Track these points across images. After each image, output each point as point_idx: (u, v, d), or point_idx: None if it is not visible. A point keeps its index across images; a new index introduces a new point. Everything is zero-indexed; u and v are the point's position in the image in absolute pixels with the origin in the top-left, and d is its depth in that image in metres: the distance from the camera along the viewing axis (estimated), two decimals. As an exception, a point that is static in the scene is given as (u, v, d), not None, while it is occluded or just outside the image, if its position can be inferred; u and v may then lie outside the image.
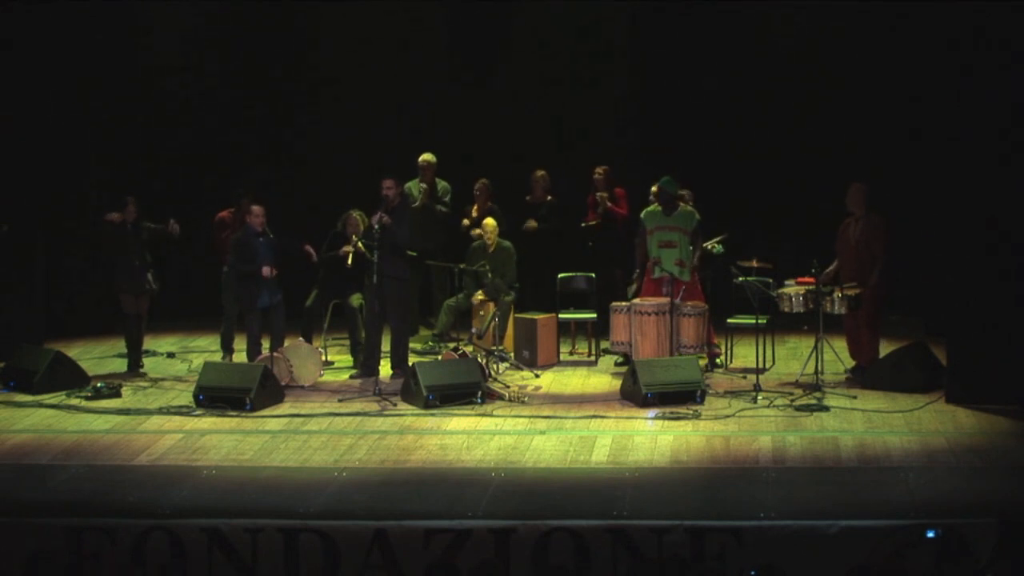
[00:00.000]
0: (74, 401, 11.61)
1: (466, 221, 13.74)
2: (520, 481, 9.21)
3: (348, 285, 12.72)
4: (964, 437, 10.17)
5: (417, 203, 13.44)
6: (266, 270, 12.12)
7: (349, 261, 12.47)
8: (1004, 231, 10.72)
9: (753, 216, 13.15)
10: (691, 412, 10.86)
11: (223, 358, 12.88)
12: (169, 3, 15.03)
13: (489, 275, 12.73)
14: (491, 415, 10.95)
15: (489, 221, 13.08)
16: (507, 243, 13.06)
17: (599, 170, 13.65)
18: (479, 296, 12.86)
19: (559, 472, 9.48)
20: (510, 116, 14.71)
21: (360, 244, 12.42)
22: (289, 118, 15.15)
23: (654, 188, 12.50)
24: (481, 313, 12.78)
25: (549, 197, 13.80)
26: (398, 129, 14.71)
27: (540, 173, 13.80)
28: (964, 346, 10.99)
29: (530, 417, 10.91)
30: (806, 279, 11.76)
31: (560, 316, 13.16)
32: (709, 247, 12.33)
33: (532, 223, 13.71)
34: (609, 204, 13.54)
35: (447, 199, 13.92)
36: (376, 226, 11.83)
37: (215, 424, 10.88)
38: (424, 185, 13.68)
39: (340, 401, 11.45)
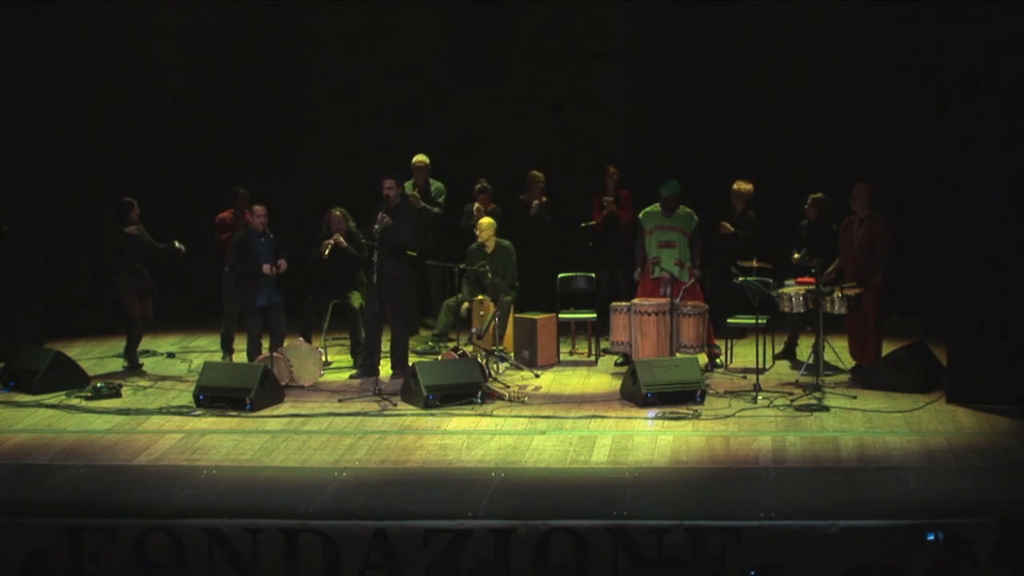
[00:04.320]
0: (74, 401, 11.61)
1: (477, 207, 13.68)
2: (520, 481, 9.21)
3: (342, 283, 12.70)
4: (964, 437, 10.17)
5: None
6: (267, 267, 12.13)
7: (325, 253, 12.49)
8: (1004, 231, 10.72)
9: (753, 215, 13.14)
10: (691, 412, 10.86)
11: (223, 358, 12.89)
12: (170, 3, 15.04)
13: (489, 275, 12.73)
14: (491, 415, 10.95)
15: (485, 219, 13.07)
16: (507, 243, 13.06)
17: (612, 170, 13.65)
18: (479, 296, 12.85)
19: (559, 472, 9.48)
20: (510, 116, 14.71)
21: (341, 239, 12.45)
22: (289, 118, 15.17)
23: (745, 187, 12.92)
24: (481, 313, 12.78)
25: (544, 198, 13.81)
26: (398, 129, 14.71)
27: (535, 173, 13.82)
28: (964, 346, 10.99)
29: (530, 417, 10.91)
30: (806, 279, 11.77)
31: (560, 316, 13.16)
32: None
33: (535, 201, 13.68)
34: (615, 208, 13.55)
35: (441, 200, 13.93)
36: (377, 226, 11.84)
37: (215, 424, 10.88)
38: (415, 192, 13.65)
39: (340, 401, 11.45)
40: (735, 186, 13.01)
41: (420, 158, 13.92)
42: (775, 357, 12.63)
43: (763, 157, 14.07)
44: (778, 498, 8.67)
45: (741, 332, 13.04)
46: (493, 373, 12.16)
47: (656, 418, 10.80)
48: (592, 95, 14.80)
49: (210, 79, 15.21)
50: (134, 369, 12.78)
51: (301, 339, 12.52)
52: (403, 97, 14.86)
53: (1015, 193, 10.67)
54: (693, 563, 8.16)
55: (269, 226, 12.36)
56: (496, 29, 14.90)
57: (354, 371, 12.57)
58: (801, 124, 14.18)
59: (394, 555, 8.35)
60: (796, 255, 12.38)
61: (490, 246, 12.94)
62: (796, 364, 12.51)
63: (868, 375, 11.80)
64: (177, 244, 12.75)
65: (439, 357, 12.45)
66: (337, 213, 12.73)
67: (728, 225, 12.87)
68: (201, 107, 15.25)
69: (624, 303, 12.34)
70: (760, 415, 10.82)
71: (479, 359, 12.04)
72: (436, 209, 13.84)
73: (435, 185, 13.99)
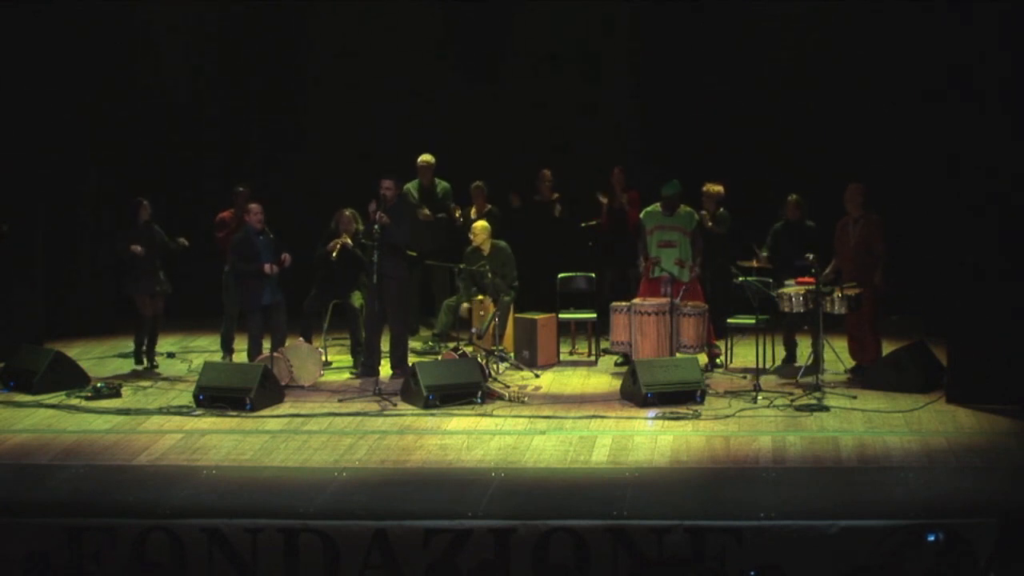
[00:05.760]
0: (74, 401, 11.61)
1: (457, 211, 13.75)
2: (520, 481, 9.21)
3: (344, 283, 12.71)
4: (964, 437, 10.17)
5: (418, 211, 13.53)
6: (268, 267, 12.13)
7: (334, 255, 12.51)
8: (1004, 231, 10.72)
9: (753, 215, 13.14)
10: (691, 412, 10.86)
11: (223, 358, 12.89)
12: (170, 3, 15.04)
13: (489, 275, 12.73)
14: (491, 415, 10.95)
15: (479, 223, 13.07)
16: (503, 243, 13.05)
17: (617, 170, 13.65)
18: (479, 296, 12.85)
19: (559, 472, 9.48)
20: (510, 116, 14.71)
21: (348, 240, 12.47)
22: (289, 118, 15.18)
23: (716, 188, 12.82)
24: (481, 313, 12.78)
25: (556, 195, 13.84)
26: (398, 129, 14.72)
27: (546, 172, 13.86)
28: (964, 346, 10.99)
29: (530, 417, 10.91)
30: (806, 279, 11.77)
31: (560, 316, 13.16)
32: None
33: (515, 199, 13.72)
34: (604, 202, 13.52)
35: (449, 203, 13.93)
36: (376, 226, 11.84)
37: (215, 424, 10.88)
38: (452, 207, 13.72)
39: (340, 401, 11.45)
40: (705, 187, 12.94)
41: (425, 158, 13.93)
42: (778, 369, 12.57)
43: (763, 157, 14.08)
44: (778, 498, 8.67)
45: (741, 332, 13.04)
46: (493, 373, 12.15)
47: (656, 418, 10.80)
48: (592, 95, 14.81)
49: (210, 79, 15.21)
50: (144, 368, 12.77)
51: (301, 339, 12.53)
52: (403, 97, 14.86)
53: (1015, 193, 10.67)
54: (693, 563, 8.16)
55: (268, 226, 12.37)
56: (496, 29, 14.91)
57: (354, 371, 12.57)
58: (801, 124, 14.19)
59: (394, 555, 8.34)
60: (764, 253, 12.31)
61: (486, 249, 12.93)
62: (793, 369, 12.47)
63: (868, 375, 11.80)
64: (181, 240, 12.75)
65: (439, 357, 12.45)
66: (347, 213, 12.74)
67: (705, 215, 12.74)
68: (201, 107, 15.25)
69: (624, 303, 12.34)
70: (760, 415, 10.82)
71: (479, 359, 12.04)
72: (441, 214, 13.84)
73: (441, 185, 14.00)
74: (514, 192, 13.86)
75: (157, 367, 12.92)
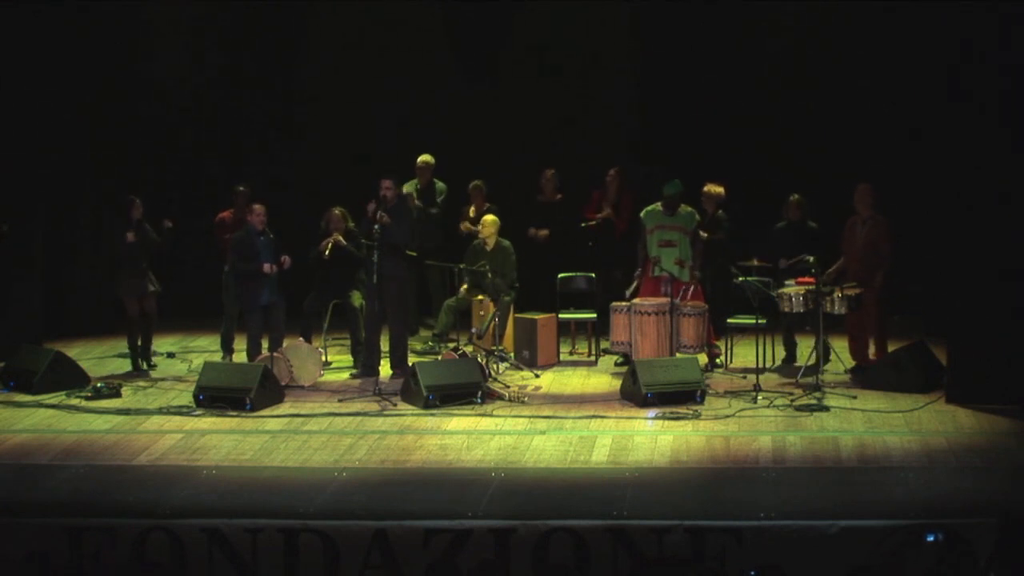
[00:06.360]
0: (74, 401, 11.61)
1: (466, 225, 13.73)
2: (520, 481, 9.21)
3: (341, 282, 12.71)
4: (964, 437, 10.17)
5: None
6: (267, 266, 12.14)
7: (326, 253, 12.51)
8: (1004, 231, 10.71)
9: (753, 215, 13.14)
10: (691, 412, 10.86)
11: (223, 358, 12.89)
12: (170, 4, 15.04)
13: (489, 275, 12.73)
14: (491, 415, 10.95)
15: (488, 217, 13.07)
16: (506, 242, 13.05)
17: (612, 172, 13.65)
18: (479, 296, 12.85)
19: (559, 472, 9.48)
20: (510, 116, 14.71)
21: (340, 239, 12.47)
22: (288, 118, 15.18)
23: (716, 189, 12.79)
24: (481, 313, 12.78)
25: (559, 196, 13.83)
26: (397, 130, 14.72)
27: (550, 172, 13.84)
28: (964, 346, 10.99)
29: (530, 417, 10.91)
30: (806, 279, 11.78)
31: (560, 316, 13.16)
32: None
33: (543, 232, 13.70)
34: (612, 215, 13.51)
35: (439, 200, 13.93)
36: (376, 226, 11.85)
37: (215, 424, 10.88)
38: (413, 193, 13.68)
39: (340, 401, 11.45)
40: (705, 188, 12.92)
41: (424, 158, 13.94)
42: (778, 369, 12.55)
43: (763, 157, 14.08)
44: (778, 498, 8.67)
45: (741, 332, 13.04)
46: (493, 373, 12.15)
47: (656, 418, 10.80)
48: (592, 95, 14.81)
49: (210, 78, 15.21)
50: (139, 371, 12.77)
51: (301, 339, 12.53)
52: (403, 97, 14.86)
53: (1015, 193, 10.67)
54: (693, 563, 8.16)
55: (268, 226, 12.38)
56: (496, 29, 14.91)
57: (354, 371, 12.57)
58: (801, 124, 14.19)
59: (394, 555, 8.35)
60: (785, 260, 12.31)
61: (490, 244, 12.94)
62: (793, 369, 12.47)
63: (868, 375, 11.81)
64: (167, 223, 12.69)
65: (439, 357, 12.45)
66: (336, 212, 12.76)
67: (701, 232, 12.76)
68: (201, 106, 15.25)
69: (624, 303, 12.34)
70: (760, 415, 10.82)
71: (479, 359, 12.04)
72: (433, 209, 13.83)
73: (439, 185, 14.00)
74: (536, 229, 13.75)
75: (155, 367, 12.92)
